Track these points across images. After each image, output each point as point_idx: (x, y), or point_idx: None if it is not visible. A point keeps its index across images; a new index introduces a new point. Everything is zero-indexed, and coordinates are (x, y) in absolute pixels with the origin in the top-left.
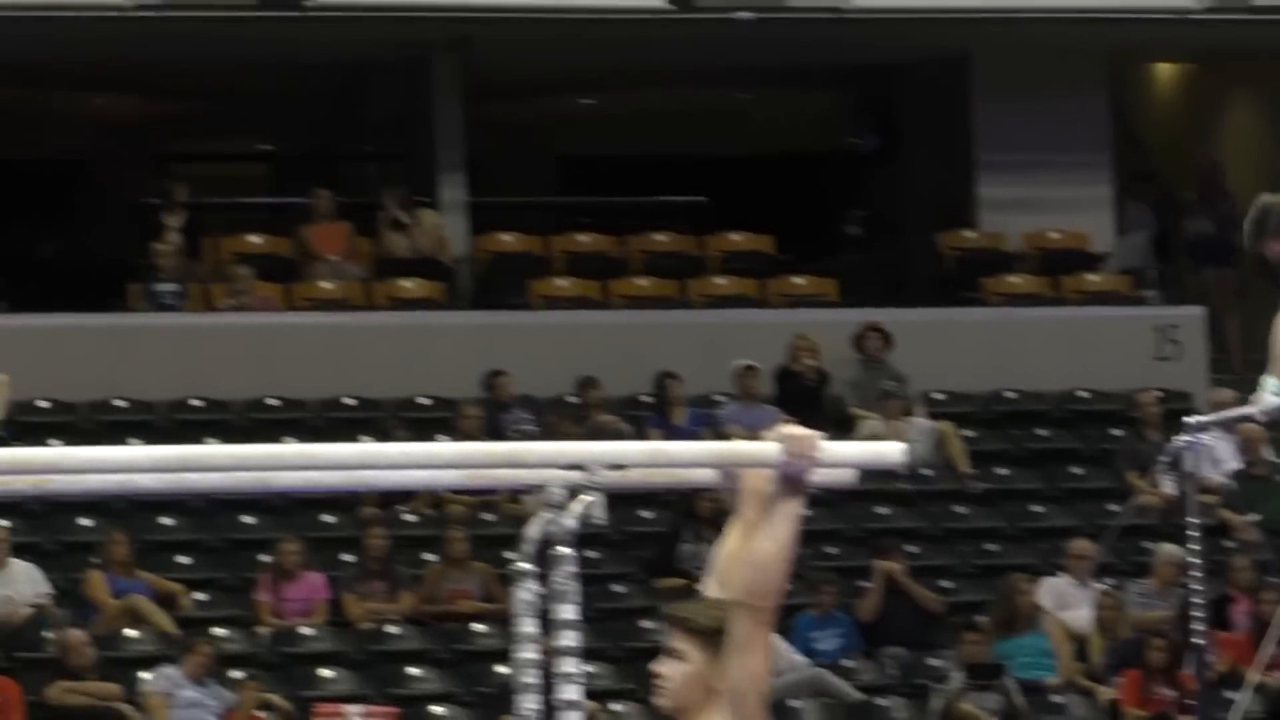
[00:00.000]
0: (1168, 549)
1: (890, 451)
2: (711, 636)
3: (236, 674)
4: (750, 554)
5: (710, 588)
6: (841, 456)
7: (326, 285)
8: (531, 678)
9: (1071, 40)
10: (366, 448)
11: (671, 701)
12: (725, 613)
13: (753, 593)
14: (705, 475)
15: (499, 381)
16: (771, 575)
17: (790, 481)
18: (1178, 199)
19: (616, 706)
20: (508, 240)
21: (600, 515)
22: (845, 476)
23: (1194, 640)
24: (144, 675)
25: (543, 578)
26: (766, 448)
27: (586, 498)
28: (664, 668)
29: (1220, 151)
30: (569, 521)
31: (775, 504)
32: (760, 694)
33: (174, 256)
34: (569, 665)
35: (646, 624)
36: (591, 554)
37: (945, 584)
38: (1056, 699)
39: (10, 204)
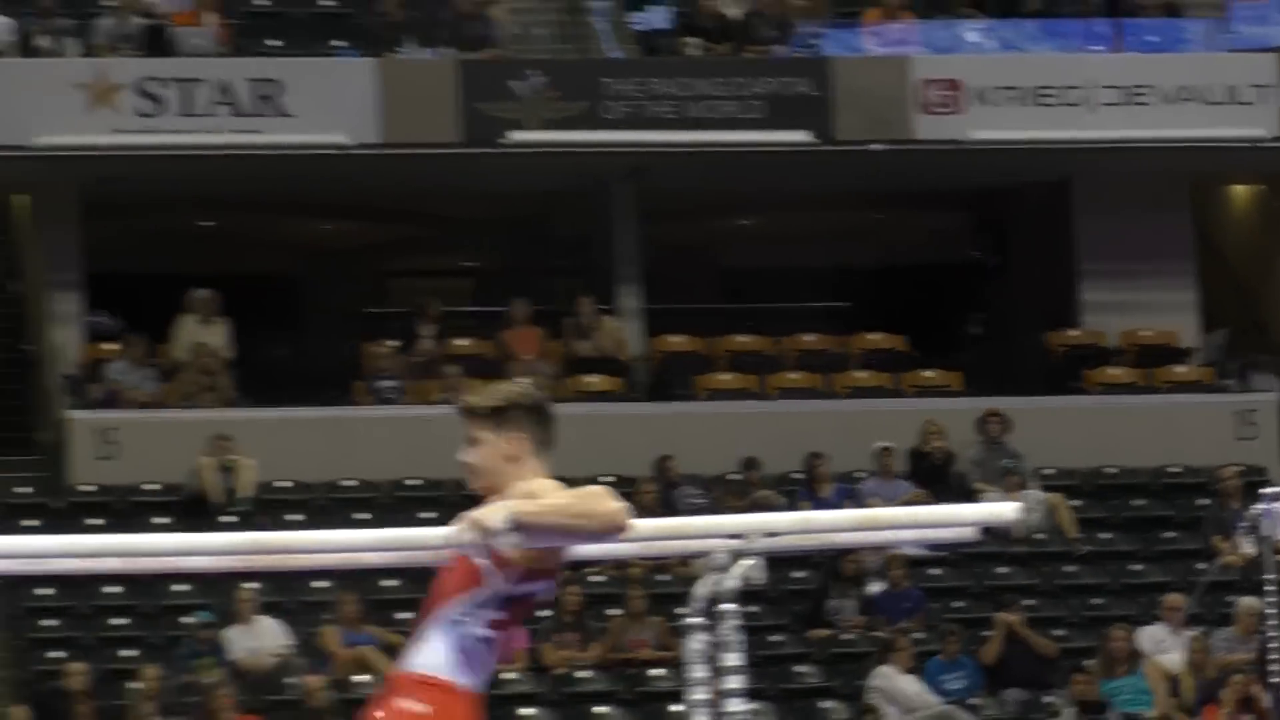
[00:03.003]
0: (1248, 601)
1: (1005, 510)
2: (499, 413)
3: None
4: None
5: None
6: (965, 517)
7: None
8: (702, 715)
9: (1158, 166)
10: None
11: (481, 482)
12: (511, 391)
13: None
14: (849, 540)
15: (668, 464)
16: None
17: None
18: None
19: None
20: (677, 341)
21: (759, 576)
22: (967, 534)
23: (1271, 679)
24: None
25: (710, 629)
26: (895, 513)
27: (747, 561)
28: (466, 456)
29: None
30: (732, 582)
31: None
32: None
33: (394, 356)
34: (734, 704)
35: (800, 668)
36: (751, 609)
37: (1057, 632)
38: None
39: (249, 314)
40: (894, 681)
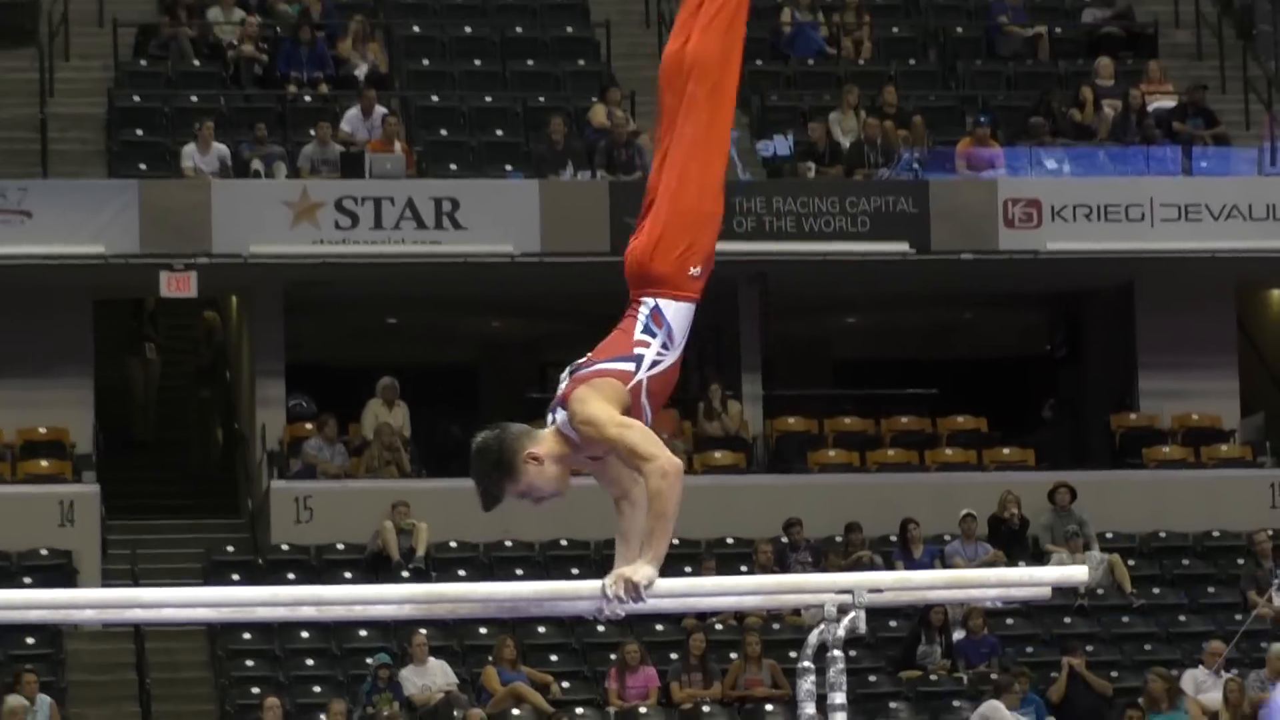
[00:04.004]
0: (1278, 647)
1: (1075, 573)
2: (501, 468)
3: None
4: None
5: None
6: (1041, 578)
7: None
8: None
9: (1207, 273)
10: (691, 580)
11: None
12: (479, 456)
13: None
14: (941, 596)
15: (794, 529)
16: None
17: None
18: None
19: None
20: (792, 422)
21: (861, 626)
22: (1042, 593)
23: None
24: None
25: (819, 672)
26: (982, 574)
27: (852, 613)
28: (548, 486)
29: None
30: (839, 631)
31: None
32: None
33: None
34: None
35: (894, 705)
36: (853, 653)
37: (1114, 674)
38: None
39: (426, 398)
40: (999, 713)
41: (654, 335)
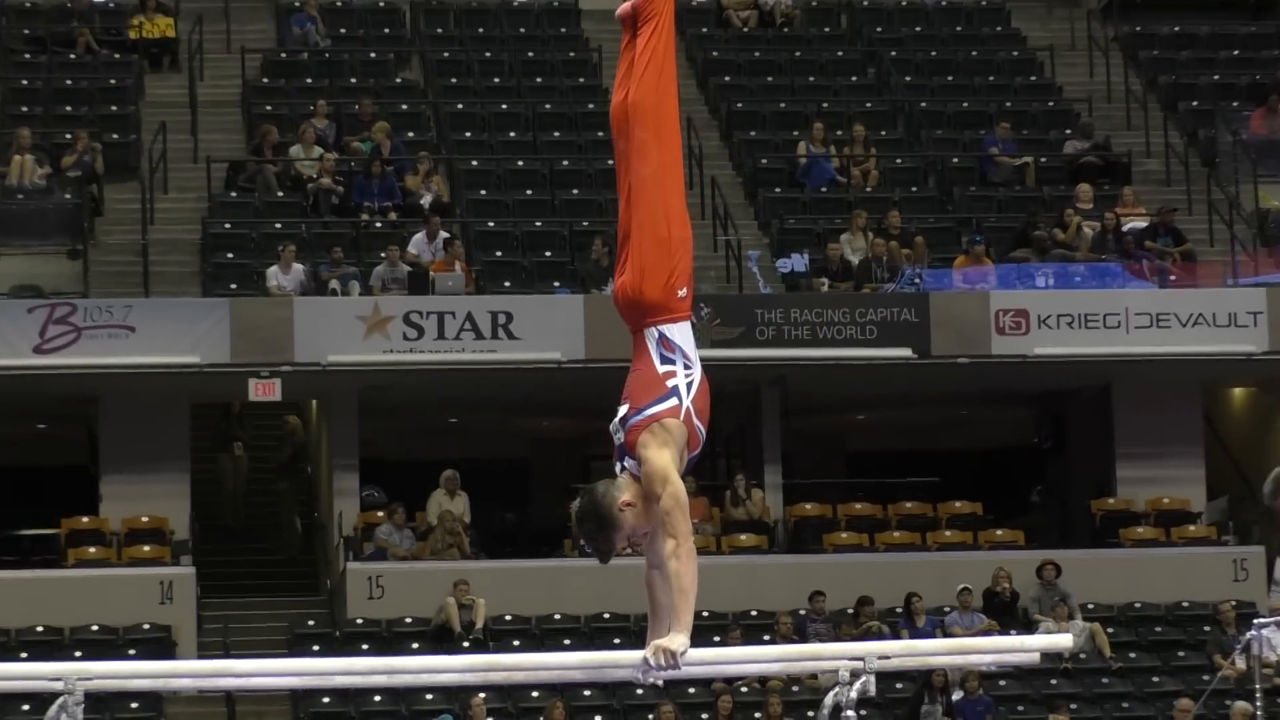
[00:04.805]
0: (1241, 705)
1: (1061, 641)
2: (606, 522)
3: None
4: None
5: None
6: (1031, 645)
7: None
8: None
9: (1177, 374)
10: (720, 650)
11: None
12: (582, 516)
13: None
14: (942, 662)
15: (817, 600)
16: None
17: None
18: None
19: None
20: (809, 508)
21: (872, 689)
22: (1031, 659)
23: None
24: None
25: None
26: (979, 642)
27: (864, 677)
28: (640, 537)
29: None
30: (852, 693)
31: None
32: None
33: None
34: None
35: None
36: (864, 712)
37: None
38: None
39: (484, 489)
40: None
41: (673, 362)
